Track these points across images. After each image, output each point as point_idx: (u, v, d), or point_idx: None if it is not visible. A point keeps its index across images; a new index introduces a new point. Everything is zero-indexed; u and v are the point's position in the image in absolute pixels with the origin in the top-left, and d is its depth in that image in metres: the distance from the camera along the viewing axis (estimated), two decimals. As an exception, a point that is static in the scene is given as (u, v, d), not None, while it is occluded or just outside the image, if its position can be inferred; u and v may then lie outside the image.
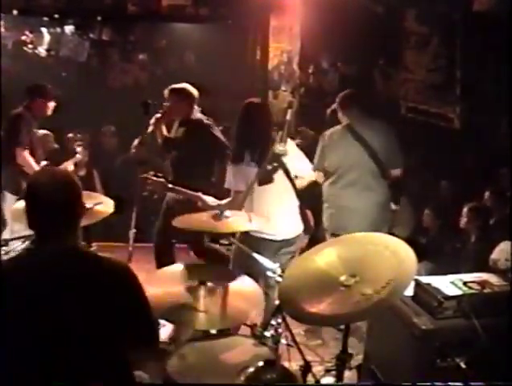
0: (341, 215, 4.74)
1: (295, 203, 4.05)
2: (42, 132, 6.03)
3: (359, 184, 4.70)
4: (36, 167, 5.20)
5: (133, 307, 2.16)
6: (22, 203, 4.93)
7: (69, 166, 5.52)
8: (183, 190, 4.13)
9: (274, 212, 3.88)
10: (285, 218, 3.97)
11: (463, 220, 4.88)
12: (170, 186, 4.15)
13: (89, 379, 2.04)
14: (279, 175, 3.91)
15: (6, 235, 4.94)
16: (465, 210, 4.84)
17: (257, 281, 3.04)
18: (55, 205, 2.07)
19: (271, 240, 3.91)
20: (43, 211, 2.09)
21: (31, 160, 5.29)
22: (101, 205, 3.60)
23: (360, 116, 4.74)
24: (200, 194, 4.03)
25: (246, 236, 3.81)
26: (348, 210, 4.69)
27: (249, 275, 3.07)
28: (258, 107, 4.10)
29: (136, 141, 5.33)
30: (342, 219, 4.71)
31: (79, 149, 5.75)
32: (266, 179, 3.86)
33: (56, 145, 6.53)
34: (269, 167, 3.81)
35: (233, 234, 4.01)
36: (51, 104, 5.55)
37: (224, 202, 3.93)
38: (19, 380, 1.99)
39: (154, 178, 4.09)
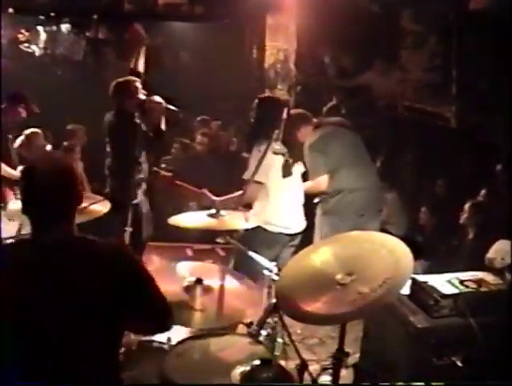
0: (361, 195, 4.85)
1: (302, 198, 4.28)
2: (30, 130, 5.92)
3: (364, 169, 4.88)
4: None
5: (135, 285, 2.11)
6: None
7: None
8: (188, 186, 4.21)
9: (290, 206, 4.13)
10: (297, 212, 4.22)
11: (463, 216, 4.88)
12: (177, 182, 4.25)
13: (88, 365, 2.02)
14: (296, 171, 4.12)
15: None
16: (467, 205, 4.85)
17: (254, 279, 3.05)
18: (49, 191, 2.03)
19: (285, 234, 4.11)
20: (37, 197, 2.05)
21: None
22: (97, 204, 3.58)
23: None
24: (204, 190, 4.13)
25: (260, 231, 3.82)
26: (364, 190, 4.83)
27: (247, 273, 3.07)
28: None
29: None
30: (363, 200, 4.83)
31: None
32: (288, 172, 4.04)
33: (48, 145, 6.46)
34: (290, 160, 4.02)
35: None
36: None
37: (232, 196, 4.07)
38: (17, 368, 1.97)
39: (164, 173, 4.16)
